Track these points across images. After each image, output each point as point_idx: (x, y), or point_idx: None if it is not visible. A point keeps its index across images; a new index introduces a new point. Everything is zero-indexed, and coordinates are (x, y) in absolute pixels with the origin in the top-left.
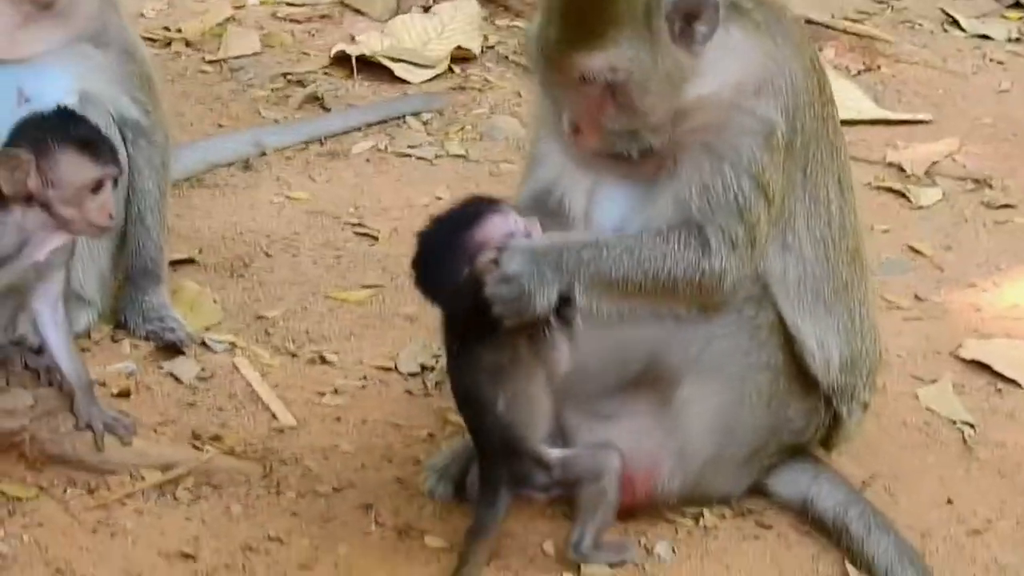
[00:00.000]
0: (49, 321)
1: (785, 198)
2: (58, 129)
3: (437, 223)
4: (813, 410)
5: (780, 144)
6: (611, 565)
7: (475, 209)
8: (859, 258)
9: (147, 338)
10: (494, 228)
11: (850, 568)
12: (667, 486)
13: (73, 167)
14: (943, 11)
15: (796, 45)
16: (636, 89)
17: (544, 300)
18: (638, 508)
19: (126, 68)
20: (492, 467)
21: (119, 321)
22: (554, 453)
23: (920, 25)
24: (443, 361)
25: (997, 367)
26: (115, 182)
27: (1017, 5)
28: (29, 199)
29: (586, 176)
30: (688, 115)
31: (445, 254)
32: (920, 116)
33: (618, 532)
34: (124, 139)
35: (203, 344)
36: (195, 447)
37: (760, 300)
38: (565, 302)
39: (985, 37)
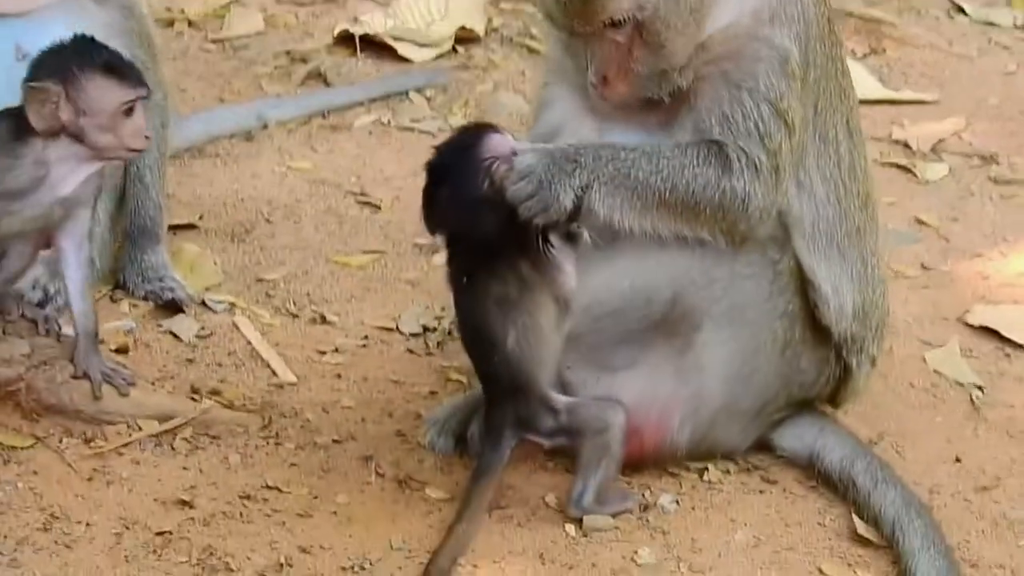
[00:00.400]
0: (73, 260)
1: (800, 137)
2: (81, 57)
3: (442, 150)
4: (824, 361)
5: (797, 72)
6: (613, 515)
7: (477, 131)
8: (871, 204)
9: (146, 298)
10: (500, 144)
11: (857, 521)
12: (676, 437)
13: (104, 92)
14: None
15: None
16: (663, 25)
17: (566, 191)
18: (645, 460)
19: (125, 24)
20: (498, 408)
21: (118, 281)
22: (562, 399)
23: (926, 12)
24: (446, 321)
25: (1005, 332)
26: (145, 102)
27: None
28: (58, 131)
29: (595, 119)
30: (707, 48)
31: (458, 174)
32: (926, 96)
33: (620, 484)
34: None
35: (203, 304)
36: (193, 399)
37: (783, 243)
38: (571, 217)
39: (990, 23)
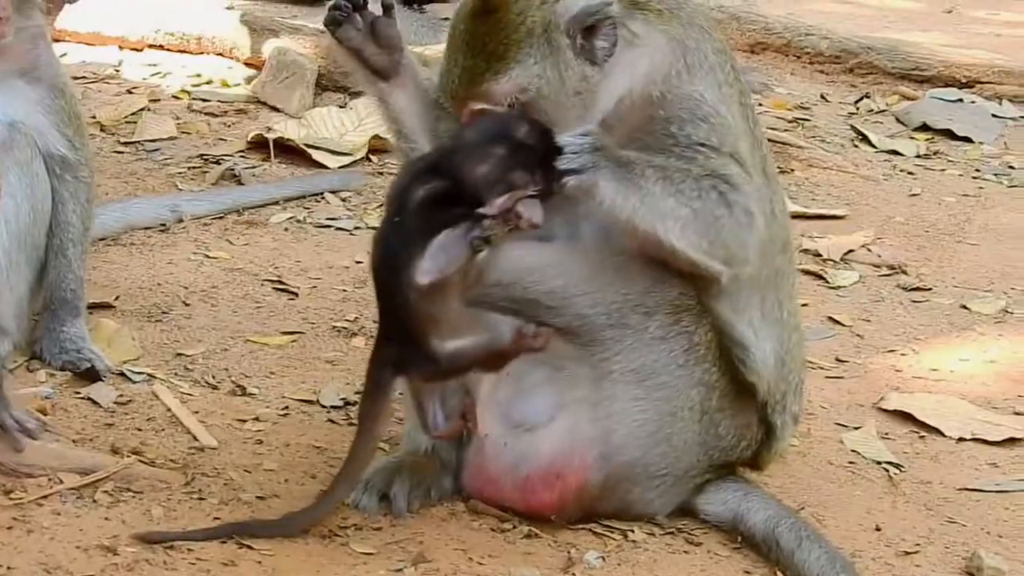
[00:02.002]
0: None
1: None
2: None
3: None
4: (745, 427)
5: (712, 111)
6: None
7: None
8: (788, 250)
9: (63, 368)
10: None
11: None
12: (592, 487)
13: None
14: (853, 128)
15: (703, 28)
16: (547, 106)
17: (609, 167)
18: (564, 510)
19: (55, 103)
20: (385, 348)
21: (35, 352)
22: (448, 344)
23: (832, 139)
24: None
25: (920, 416)
26: None
27: (924, 128)
28: None
29: None
30: (616, 122)
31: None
32: (834, 212)
33: (544, 542)
34: (50, 172)
35: (121, 375)
36: (115, 454)
37: (699, 313)
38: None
39: (895, 152)
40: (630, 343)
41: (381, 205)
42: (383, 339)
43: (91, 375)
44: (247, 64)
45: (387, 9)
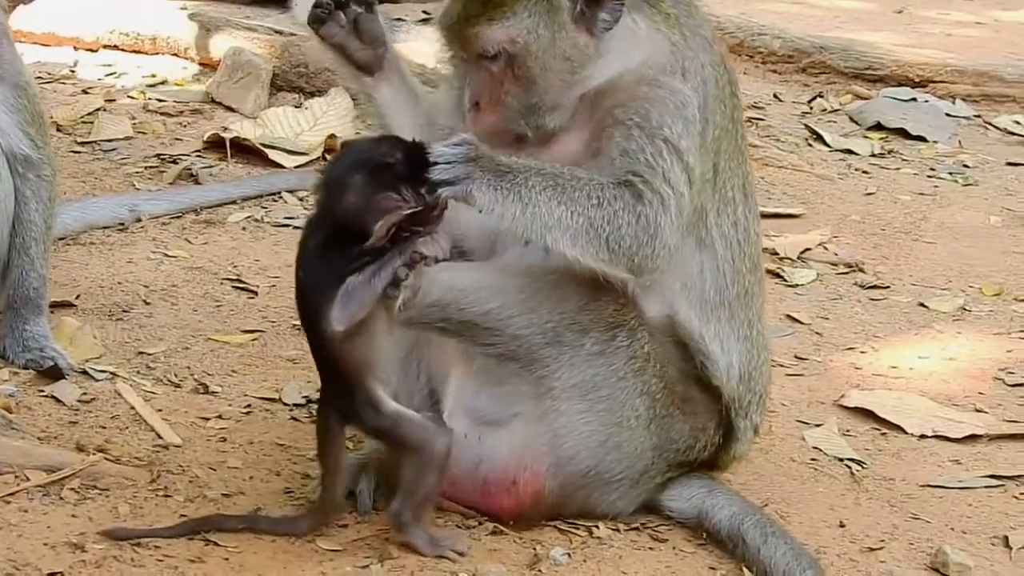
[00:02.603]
0: None
1: (700, 192)
2: None
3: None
4: (699, 430)
5: (694, 119)
6: (437, 556)
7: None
8: (759, 269)
9: (26, 366)
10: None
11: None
12: (548, 495)
13: None
14: (807, 127)
15: (706, 40)
16: (534, 64)
17: (484, 177)
18: (524, 514)
19: (18, 102)
20: (327, 392)
21: None
22: (392, 404)
23: (786, 138)
24: None
25: (880, 413)
26: None
27: (878, 127)
28: None
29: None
30: (596, 100)
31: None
32: (790, 211)
33: (510, 539)
34: (13, 171)
35: (84, 373)
36: (81, 452)
37: (633, 328)
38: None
39: (849, 151)
40: (568, 359)
41: None
42: (324, 388)
43: (54, 373)
44: (202, 64)
45: (369, 5)
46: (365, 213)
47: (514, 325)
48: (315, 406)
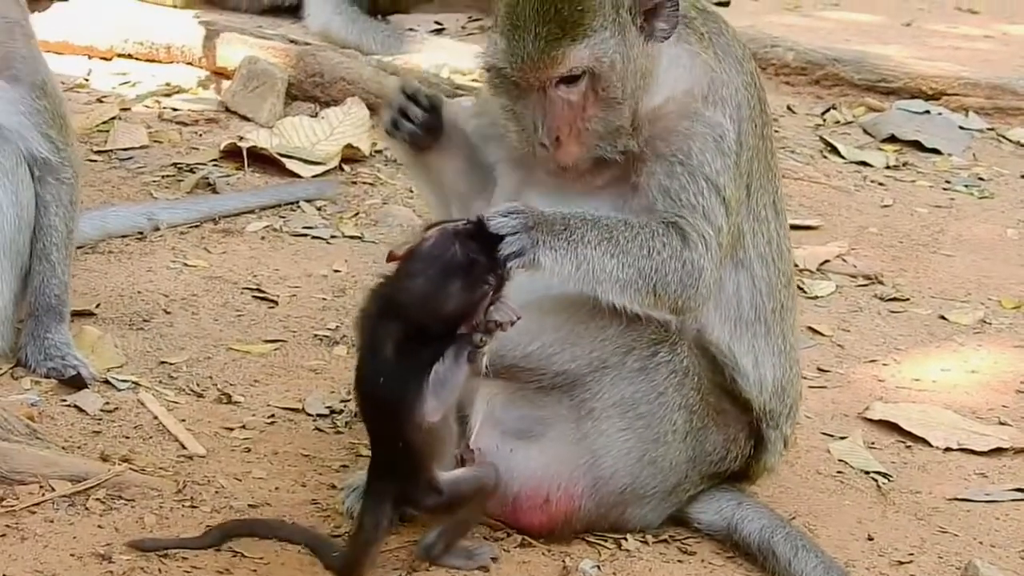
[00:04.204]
0: None
1: (736, 214)
2: None
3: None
4: (732, 441)
5: (731, 152)
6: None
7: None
8: (792, 284)
9: (48, 375)
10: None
11: None
12: (583, 513)
13: None
14: (822, 139)
15: (737, 59)
16: (617, 81)
17: (547, 241)
18: (555, 531)
19: (37, 103)
20: (382, 482)
21: (19, 359)
22: (444, 477)
23: (800, 150)
24: (352, 404)
25: (905, 426)
26: None
27: (892, 139)
28: None
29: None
30: (646, 123)
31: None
32: (808, 223)
33: (538, 551)
34: (33, 175)
35: (106, 382)
36: (106, 462)
37: (675, 344)
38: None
39: (864, 163)
40: (610, 380)
41: (356, 215)
42: (378, 478)
43: (77, 382)
44: (216, 73)
45: (435, 109)
46: (464, 315)
47: (557, 362)
48: (339, 417)
